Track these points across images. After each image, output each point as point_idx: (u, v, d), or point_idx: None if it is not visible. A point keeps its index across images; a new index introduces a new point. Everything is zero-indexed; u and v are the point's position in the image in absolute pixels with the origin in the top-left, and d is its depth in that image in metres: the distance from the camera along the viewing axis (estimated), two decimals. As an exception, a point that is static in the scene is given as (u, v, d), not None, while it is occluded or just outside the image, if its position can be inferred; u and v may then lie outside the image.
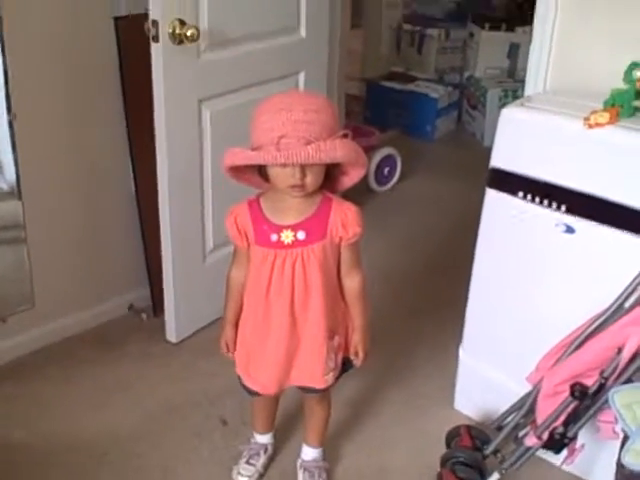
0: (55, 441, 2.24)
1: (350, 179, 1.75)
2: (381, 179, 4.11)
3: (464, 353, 2.36)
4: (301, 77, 2.85)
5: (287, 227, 1.73)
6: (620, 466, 1.53)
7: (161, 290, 2.70)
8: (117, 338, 2.75)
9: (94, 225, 2.74)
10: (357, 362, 1.88)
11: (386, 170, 4.11)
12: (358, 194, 3.97)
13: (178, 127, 2.46)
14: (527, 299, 2.11)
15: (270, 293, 1.76)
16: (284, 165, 1.62)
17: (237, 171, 1.72)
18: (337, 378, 1.91)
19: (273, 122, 1.60)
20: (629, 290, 1.75)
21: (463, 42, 5.28)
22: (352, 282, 1.82)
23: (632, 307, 1.72)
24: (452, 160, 4.61)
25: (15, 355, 2.58)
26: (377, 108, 5.03)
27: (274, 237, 1.73)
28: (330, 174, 1.72)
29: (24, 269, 2.49)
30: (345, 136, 1.65)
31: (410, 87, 4.96)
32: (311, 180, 1.66)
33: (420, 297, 3.09)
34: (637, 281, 1.74)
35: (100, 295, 2.83)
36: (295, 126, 1.58)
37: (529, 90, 2.27)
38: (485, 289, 2.24)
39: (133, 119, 2.65)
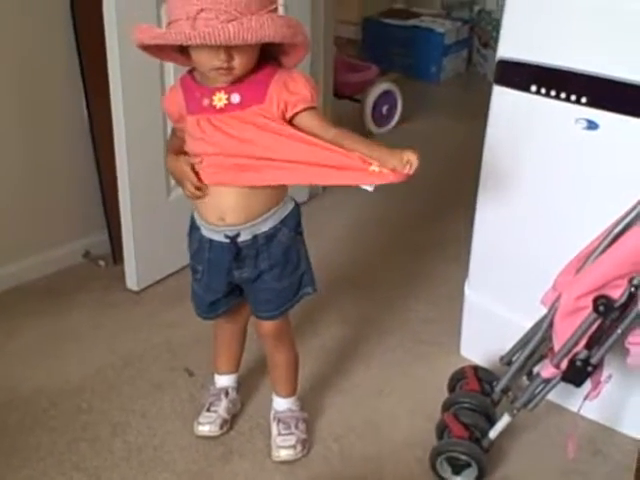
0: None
1: (290, 60, 1.58)
2: (379, 119, 3.93)
3: (470, 289, 2.19)
4: None
5: (219, 89, 1.57)
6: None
7: (121, 234, 2.53)
8: (70, 287, 2.60)
9: (43, 162, 2.58)
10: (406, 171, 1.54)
11: (385, 108, 3.93)
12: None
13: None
14: (541, 213, 1.94)
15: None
16: (205, 46, 1.46)
17: (156, 50, 1.57)
18: (289, 305, 1.80)
19: None
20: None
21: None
22: (333, 131, 1.58)
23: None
24: (459, 103, 4.44)
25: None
26: (376, 48, 4.85)
27: (205, 101, 1.59)
28: (267, 53, 1.56)
29: None
30: (275, 10, 1.48)
31: (413, 22, 4.76)
32: (240, 62, 1.51)
33: (422, 237, 2.94)
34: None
35: (51, 241, 2.67)
36: None
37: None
38: (491, 208, 2.05)
39: (84, 41, 2.48)
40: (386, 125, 3.97)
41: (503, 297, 2.07)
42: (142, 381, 2.16)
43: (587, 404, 1.69)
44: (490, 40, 4.73)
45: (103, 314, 2.46)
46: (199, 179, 1.64)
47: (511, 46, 1.89)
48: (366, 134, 3.85)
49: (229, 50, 1.48)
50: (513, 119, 1.95)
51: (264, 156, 1.57)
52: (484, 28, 4.84)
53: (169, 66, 2.35)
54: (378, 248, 2.87)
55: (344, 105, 3.81)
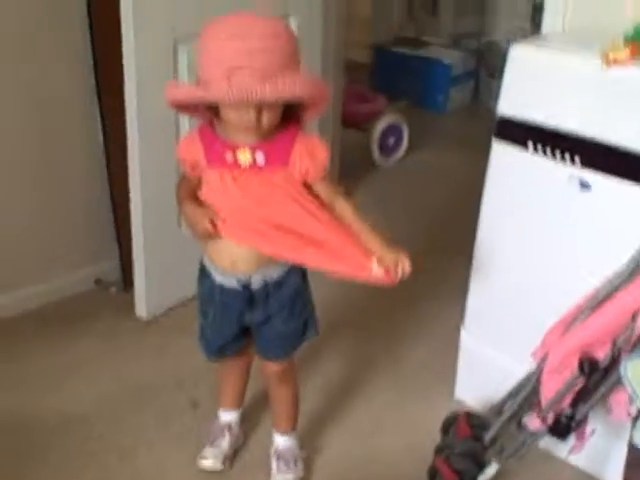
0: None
1: (311, 115, 1.68)
2: (386, 150, 4.03)
3: (466, 333, 2.29)
4: (292, 22, 2.74)
5: (244, 145, 1.65)
6: (631, 447, 1.43)
7: (132, 262, 2.63)
8: (80, 314, 2.69)
9: (57, 190, 2.68)
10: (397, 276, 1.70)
11: (391, 140, 4.03)
12: (360, 167, 3.94)
13: (151, 72, 2.37)
14: (537, 267, 2.03)
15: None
16: (237, 103, 1.54)
17: (184, 106, 1.65)
18: (295, 348, 1.91)
19: (223, 51, 1.51)
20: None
21: (481, 3, 5.17)
22: (341, 204, 1.72)
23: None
24: (465, 134, 4.51)
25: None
26: (385, 76, 4.96)
27: (229, 157, 1.65)
28: (288, 109, 1.64)
29: None
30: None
31: (421, 52, 4.88)
32: (268, 119, 1.59)
33: (423, 277, 2.99)
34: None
35: (63, 267, 2.77)
36: (250, 56, 1.49)
37: (546, 31, 2.19)
38: (489, 257, 2.15)
39: (102, 66, 2.56)
40: (392, 157, 4.07)
41: (498, 344, 2.16)
42: (149, 411, 2.25)
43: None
44: (497, 72, 4.82)
45: (112, 342, 2.56)
46: (216, 230, 1.70)
47: (510, 105, 1.99)
48: (372, 164, 3.97)
49: (259, 107, 1.55)
50: (511, 173, 2.04)
51: (281, 223, 1.66)
52: (491, 59, 4.93)
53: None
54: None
55: (351, 134, 3.92)
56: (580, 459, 1.98)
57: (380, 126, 3.96)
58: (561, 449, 1.91)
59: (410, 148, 4.16)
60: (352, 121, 3.90)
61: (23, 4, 2.41)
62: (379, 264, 1.66)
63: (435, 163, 4.04)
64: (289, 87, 1.51)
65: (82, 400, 2.28)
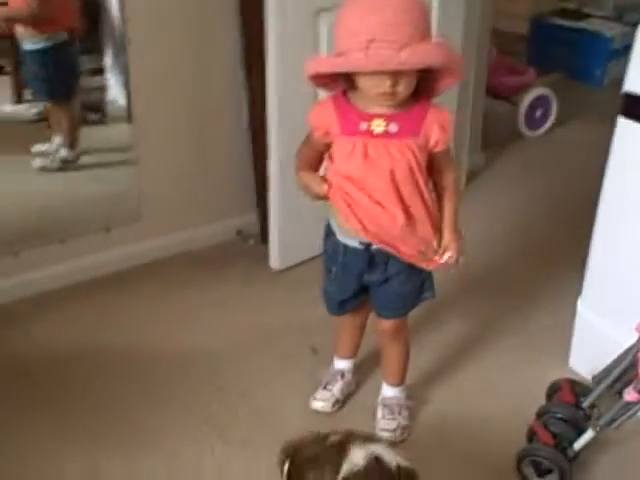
0: (139, 351, 2.43)
1: (443, 86, 1.74)
2: (532, 122, 4.03)
3: (583, 306, 2.31)
4: None
5: (379, 116, 1.73)
6: None
7: (269, 218, 2.81)
8: (220, 261, 2.92)
9: (206, 148, 2.90)
10: (450, 261, 1.86)
11: (538, 113, 4.02)
12: (506, 137, 3.96)
13: (292, 41, 2.52)
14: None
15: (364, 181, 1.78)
16: (374, 72, 1.64)
17: (321, 78, 1.75)
18: (411, 308, 2.02)
19: (361, 24, 1.61)
20: None
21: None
22: (446, 180, 1.85)
23: None
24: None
25: (117, 267, 2.80)
26: (542, 48, 4.88)
27: (363, 125, 1.74)
28: (421, 80, 1.71)
29: (134, 186, 2.74)
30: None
31: (581, 24, 4.77)
32: (403, 88, 1.67)
33: (543, 247, 3.06)
34: None
35: (208, 217, 3.00)
36: (385, 29, 1.58)
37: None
38: (611, 234, 2.18)
39: (250, 52, 2.74)
40: (538, 129, 4.07)
41: (613, 317, 2.18)
42: (272, 353, 2.43)
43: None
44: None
45: (247, 288, 2.77)
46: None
47: (638, 81, 2.00)
48: (518, 135, 3.99)
49: (395, 76, 1.64)
50: (635, 151, 2.05)
51: (387, 192, 1.77)
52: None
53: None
54: (508, 252, 3.02)
55: (499, 105, 3.97)
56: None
57: (527, 98, 3.96)
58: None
59: (560, 122, 4.13)
60: (500, 92, 3.93)
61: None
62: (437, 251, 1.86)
63: (583, 137, 3.98)
64: (422, 56, 1.61)
65: (214, 337, 2.50)
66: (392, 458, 1.48)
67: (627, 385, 1.87)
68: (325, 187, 1.82)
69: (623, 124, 2.05)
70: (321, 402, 2.18)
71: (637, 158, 2.05)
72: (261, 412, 2.21)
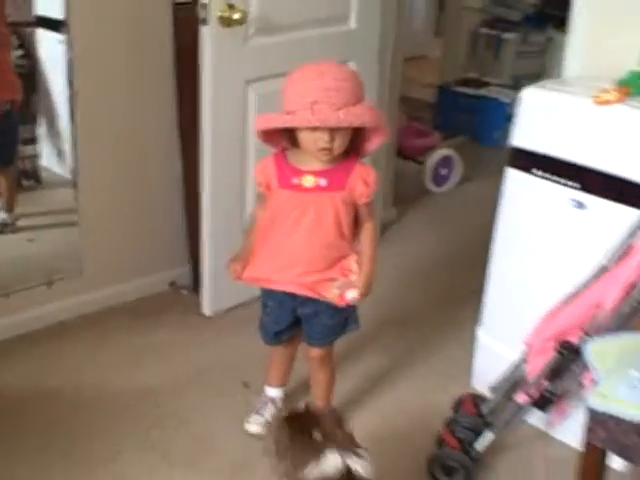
0: (82, 392, 2.63)
1: (372, 144, 2.07)
2: (438, 180, 4.44)
3: (482, 332, 2.64)
4: (352, 66, 3.12)
5: (309, 172, 2.05)
6: (588, 410, 1.75)
7: (200, 270, 3.07)
8: (155, 310, 3.16)
9: (142, 205, 3.16)
10: (356, 299, 2.15)
11: (444, 171, 4.44)
12: (414, 193, 4.34)
13: (224, 107, 2.83)
14: (543, 276, 2.37)
15: (287, 229, 2.09)
16: (315, 129, 1.95)
17: (267, 135, 2.07)
18: (337, 337, 2.31)
19: (307, 89, 1.94)
20: (611, 252, 2.04)
21: (542, 47, 5.51)
22: (366, 230, 2.15)
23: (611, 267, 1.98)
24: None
25: (59, 318, 3.00)
26: (448, 113, 5.34)
27: (295, 180, 2.05)
28: (352, 140, 2.04)
29: (75, 245, 2.99)
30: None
31: (481, 92, 5.26)
32: (338, 144, 1.99)
33: (448, 287, 3.44)
34: (619, 242, 2.03)
35: (144, 270, 3.24)
36: (327, 93, 1.92)
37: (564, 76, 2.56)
38: (504, 268, 2.51)
39: (183, 104, 3.03)
40: (443, 186, 4.48)
41: (507, 340, 2.47)
42: (207, 388, 2.67)
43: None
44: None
45: (181, 333, 3.00)
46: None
47: (521, 137, 2.37)
48: (425, 192, 4.37)
49: (332, 133, 1.95)
50: (520, 195, 2.41)
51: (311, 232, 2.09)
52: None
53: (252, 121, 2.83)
54: (418, 293, 3.37)
55: (408, 165, 4.40)
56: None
57: (433, 158, 4.38)
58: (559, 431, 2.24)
59: (465, 178, 4.56)
60: (409, 153, 4.35)
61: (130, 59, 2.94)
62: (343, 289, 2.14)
63: (484, 192, 4.34)
64: (357, 115, 1.94)
65: (153, 376, 2.73)
66: (366, 473, 1.63)
67: (515, 391, 2.18)
68: (235, 275, 2.20)
69: (511, 173, 2.41)
70: (254, 425, 2.42)
71: (523, 202, 2.41)
72: (200, 437, 2.44)
